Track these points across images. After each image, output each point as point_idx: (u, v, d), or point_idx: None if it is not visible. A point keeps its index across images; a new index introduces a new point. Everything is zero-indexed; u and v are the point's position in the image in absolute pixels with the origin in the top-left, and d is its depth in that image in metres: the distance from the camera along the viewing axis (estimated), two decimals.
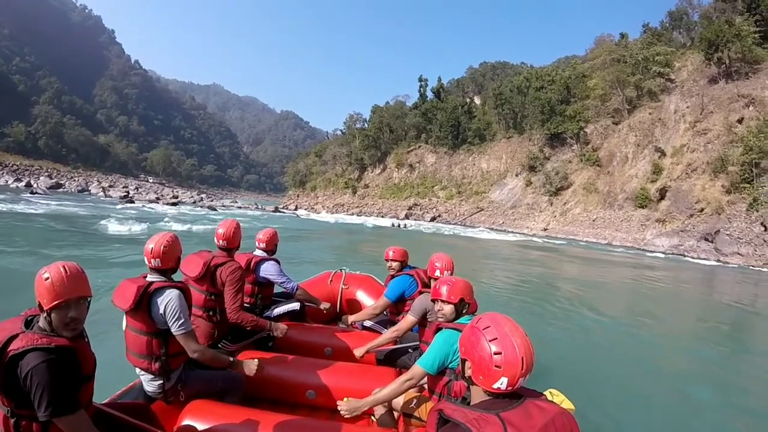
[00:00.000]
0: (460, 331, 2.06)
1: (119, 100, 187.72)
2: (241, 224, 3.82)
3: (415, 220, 56.95)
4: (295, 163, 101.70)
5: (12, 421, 1.77)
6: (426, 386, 2.77)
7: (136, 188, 58.78)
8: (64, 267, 1.87)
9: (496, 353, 1.48)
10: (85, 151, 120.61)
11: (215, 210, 34.39)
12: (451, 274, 3.47)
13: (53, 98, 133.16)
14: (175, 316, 2.59)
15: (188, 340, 2.66)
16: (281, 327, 3.76)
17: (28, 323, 1.89)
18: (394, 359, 3.81)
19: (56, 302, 1.81)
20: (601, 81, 57.04)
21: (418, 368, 2.52)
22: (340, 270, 5.60)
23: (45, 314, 1.83)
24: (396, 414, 2.93)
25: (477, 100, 78.15)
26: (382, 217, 58.46)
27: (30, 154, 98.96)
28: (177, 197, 47.49)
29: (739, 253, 28.82)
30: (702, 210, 35.72)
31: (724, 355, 7.71)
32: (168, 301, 2.60)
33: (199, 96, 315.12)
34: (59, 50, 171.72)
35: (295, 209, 67.67)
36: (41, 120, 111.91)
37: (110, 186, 52.26)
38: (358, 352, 3.54)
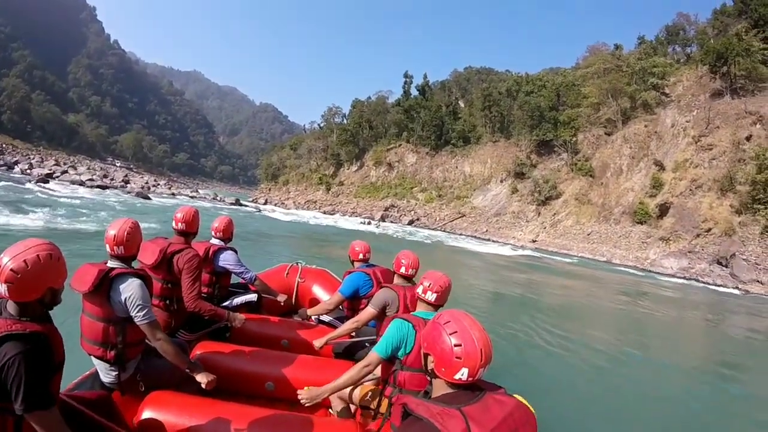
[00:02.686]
0: (411, 322, 2.55)
1: (94, 79, 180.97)
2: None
3: (392, 222, 53.37)
4: (269, 155, 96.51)
5: None
6: (381, 380, 2.82)
7: (89, 169, 52.16)
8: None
9: (456, 345, 1.56)
10: (51, 129, 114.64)
11: (148, 199, 28.93)
12: (416, 272, 3.47)
13: (24, 72, 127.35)
14: (138, 306, 2.53)
15: (153, 329, 2.60)
16: (239, 317, 3.72)
17: None
18: (351, 352, 3.90)
19: (65, 281, 1.88)
20: (596, 89, 54.51)
21: (374, 354, 2.58)
22: (296, 263, 5.59)
23: (45, 294, 1.81)
24: (353, 407, 2.99)
25: (461, 104, 74.38)
26: (357, 216, 54.55)
27: None
28: (115, 180, 41.67)
29: (759, 281, 25.43)
30: (709, 230, 32.81)
31: (725, 396, 7.18)
32: (130, 289, 2.53)
33: (178, 82, 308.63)
34: (36, 23, 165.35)
35: (265, 203, 63.93)
36: (7, 93, 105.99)
37: (41, 164, 45.41)
38: (317, 343, 3.55)
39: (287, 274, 5.46)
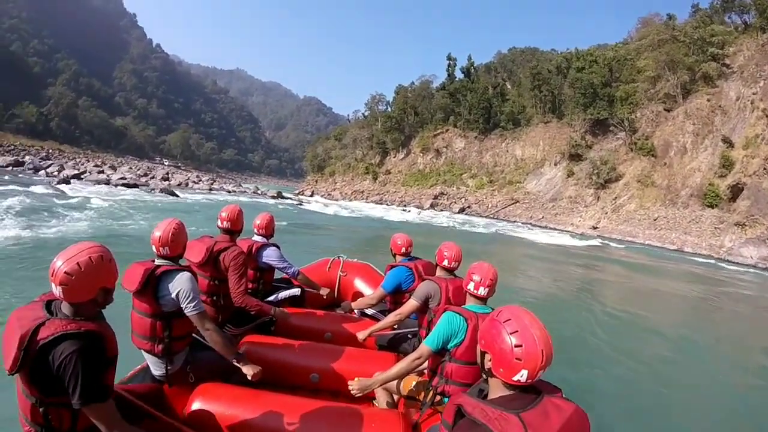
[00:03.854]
0: (463, 315, 2.52)
1: (139, 83, 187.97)
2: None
3: (442, 210, 52.31)
4: (314, 147, 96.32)
5: (41, 410, 1.78)
6: (425, 371, 2.85)
7: (131, 169, 51.68)
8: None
9: (516, 346, 1.51)
10: (99, 134, 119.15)
11: (175, 195, 27.94)
12: (459, 265, 3.44)
13: (70, 80, 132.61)
14: (189, 297, 2.62)
15: (203, 319, 2.69)
16: (284, 312, 3.83)
17: (49, 309, 1.87)
18: (394, 344, 3.91)
19: (116, 281, 1.96)
20: (652, 62, 51.24)
21: (425, 347, 2.58)
22: (338, 257, 5.66)
23: (98, 294, 1.87)
24: (396, 397, 3.02)
25: (509, 86, 71.81)
26: (405, 206, 53.80)
27: (41, 136, 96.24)
28: (155, 178, 41.01)
29: None
30: None
31: None
32: (180, 283, 2.62)
33: (222, 80, 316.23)
34: (78, 33, 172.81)
35: (311, 195, 64.03)
36: (54, 101, 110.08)
37: (78, 166, 45.02)
38: (361, 335, 3.57)
39: (329, 268, 5.57)
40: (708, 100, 43.28)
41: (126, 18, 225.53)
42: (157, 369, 2.81)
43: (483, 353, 1.65)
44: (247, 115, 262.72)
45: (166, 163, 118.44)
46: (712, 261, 27.44)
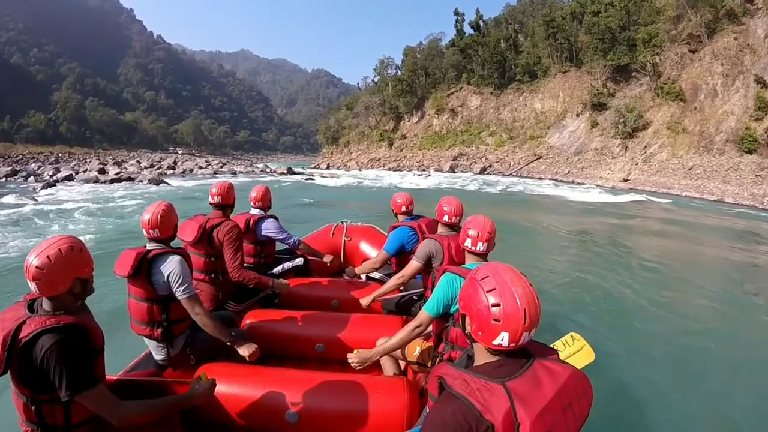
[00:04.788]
0: (463, 276, 2.31)
1: (145, 76, 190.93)
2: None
3: (463, 171, 51.18)
4: (326, 119, 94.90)
5: (33, 408, 1.79)
6: (431, 333, 2.72)
7: (138, 162, 50.31)
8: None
9: (494, 305, 1.36)
10: (110, 131, 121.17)
11: (164, 184, 26.95)
12: (461, 219, 3.29)
13: (75, 83, 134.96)
14: (179, 281, 2.61)
15: (193, 303, 2.66)
16: (283, 283, 3.72)
17: (31, 308, 1.88)
18: (401, 308, 3.87)
19: (93, 270, 1.96)
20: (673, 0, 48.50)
21: (424, 314, 2.49)
22: (342, 222, 5.56)
23: (74, 285, 1.86)
24: (402, 363, 3.00)
25: (521, 39, 68.99)
26: (423, 170, 52.74)
27: (52, 142, 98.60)
28: (162, 168, 40.94)
29: None
30: None
31: None
32: (171, 266, 2.62)
33: (228, 63, 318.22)
34: (78, 36, 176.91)
35: (327, 167, 63.77)
36: (60, 105, 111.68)
37: (79, 165, 42.90)
38: (364, 302, 3.54)
39: (333, 234, 5.48)
40: (735, 39, 40.83)
41: (124, 14, 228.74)
42: (158, 354, 2.83)
43: (463, 316, 1.51)
44: (256, 94, 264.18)
45: (180, 152, 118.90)
46: (756, 212, 25.91)
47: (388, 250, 4.06)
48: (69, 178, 28.79)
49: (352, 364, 2.56)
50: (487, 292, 1.38)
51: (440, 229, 3.42)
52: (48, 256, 1.78)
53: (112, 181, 27.91)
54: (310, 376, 2.68)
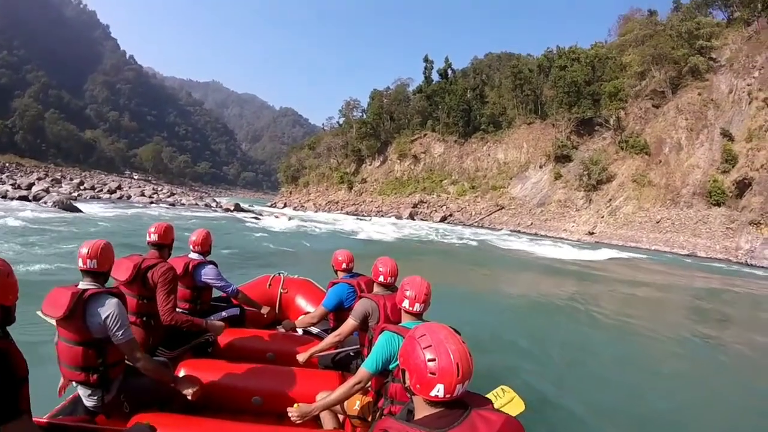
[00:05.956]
0: (401, 334, 2.44)
1: (111, 95, 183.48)
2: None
3: (422, 219, 48.62)
4: (288, 157, 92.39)
5: None
6: (369, 389, 2.80)
7: (71, 182, 46.97)
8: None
9: (430, 360, 1.47)
10: (67, 147, 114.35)
11: (76, 211, 22.43)
12: (395, 280, 3.39)
13: (39, 92, 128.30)
14: (117, 325, 2.51)
15: (132, 348, 2.60)
16: (218, 324, 3.71)
17: None
18: (336, 363, 3.83)
19: (17, 297, 1.87)
20: (638, 56, 49.48)
21: (363, 371, 2.54)
22: (279, 274, 5.53)
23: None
24: (341, 417, 2.99)
25: (487, 90, 68.89)
26: (382, 216, 49.93)
27: (4, 150, 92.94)
28: (103, 191, 38.09)
29: None
30: None
31: None
32: (109, 308, 2.51)
33: (198, 92, 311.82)
34: (51, 44, 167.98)
35: (284, 207, 61.08)
36: (20, 113, 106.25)
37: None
38: (301, 357, 3.49)
39: (270, 285, 5.41)
40: (699, 94, 41.54)
41: (99, 29, 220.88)
42: (90, 400, 2.65)
43: (403, 371, 1.61)
44: (222, 127, 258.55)
45: (136, 177, 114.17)
46: (731, 266, 23.95)
47: (326, 305, 4.05)
48: None
49: (292, 418, 2.51)
50: (424, 348, 1.49)
51: (376, 289, 3.47)
52: None
53: (21, 198, 24.58)
54: (250, 429, 2.67)
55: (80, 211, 22.98)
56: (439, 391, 1.44)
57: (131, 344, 2.56)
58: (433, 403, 1.48)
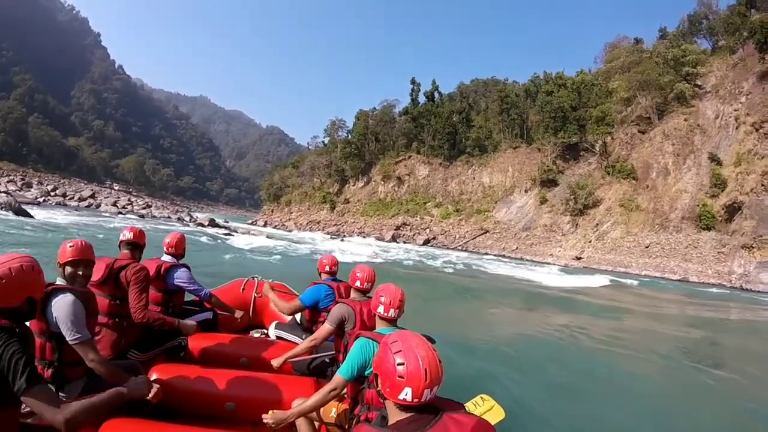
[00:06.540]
0: (376, 340, 2.45)
1: (97, 103, 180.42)
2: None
3: (405, 242, 47.27)
4: (271, 175, 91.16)
5: None
6: (345, 396, 2.79)
7: (44, 188, 46.88)
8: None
9: (399, 364, 1.52)
10: (49, 153, 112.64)
11: (27, 216, 21.27)
12: (372, 286, 3.45)
13: (24, 95, 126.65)
14: (67, 324, 2.42)
15: (85, 349, 2.47)
16: (190, 324, 3.64)
17: None
18: (311, 369, 3.79)
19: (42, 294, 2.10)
20: (624, 83, 49.41)
21: (339, 377, 2.53)
22: (253, 278, 5.47)
23: (23, 304, 1.91)
24: (317, 424, 2.94)
25: (473, 115, 68.68)
26: (364, 237, 48.48)
27: None
28: (73, 199, 37.28)
29: None
30: None
31: None
32: (60, 306, 2.44)
33: (185, 106, 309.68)
34: (40, 49, 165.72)
35: (264, 225, 59.76)
36: (2, 116, 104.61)
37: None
38: (275, 363, 3.43)
39: (243, 289, 5.37)
40: (685, 120, 41.71)
41: (90, 37, 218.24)
42: None
43: (376, 376, 1.65)
44: (207, 142, 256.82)
45: (117, 188, 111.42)
46: (726, 291, 22.86)
47: (303, 300, 4.12)
48: None
49: (267, 425, 2.51)
50: (394, 353, 1.54)
51: (353, 294, 3.50)
52: (10, 268, 1.83)
53: None
54: None
55: (30, 215, 21.46)
56: (407, 394, 1.47)
57: (84, 345, 2.44)
58: (404, 407, 1.51)
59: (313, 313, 4.19)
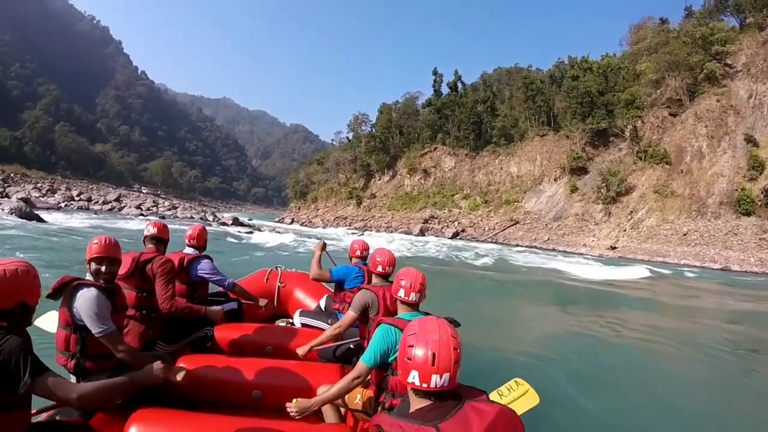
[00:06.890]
0: (398, 326, 2.43)
1: (122, 109, 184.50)
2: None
3: (434, 235, 46.95)
4: (297, 172, 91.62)
5: None
6: (370, 382, 2.79)
7: (71, 192, 48.67)
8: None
9: (409, 346, 1.53)
10: (76, 159, 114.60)
11: (39, 221, 21.40)
12: (393, 270, 3.45)
13: (50, 105, 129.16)
14: (91, 317, 2.51)
15: (112, 341, 2.57)
16: (216, 310, 3.75)
17: None
18: (337, 356, 3.83)
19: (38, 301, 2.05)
20: (652, 64, 47.85)
21: (362, 365, 2.54)
22: (276, 267, 5.56)
23: (14, 307, 1.89)
24: (343, 410, 2.98)
25: (498, 104, 67.57)
26: (392, 232, 48.46)
27: (11, 160, 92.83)
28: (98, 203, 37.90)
29: None
30: None
31: None
32: (82, 300, 2.53)
33: (208, 109, 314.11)
34: (63, 59, 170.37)
35: (291, 223, 59.90)
36: (29, 125, 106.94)
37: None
38: (300, 351, 3.41)
39: (267, 279, 5.44)
40: (717, 101, 40.30)
41: (112, 45, 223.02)
42: None
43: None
44: (232, 143, 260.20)
45: (145, 191, 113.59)
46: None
47: (333, 272, 4.22)
48: None
49: (291, 414, 2.48)
50: (408, 335, 1.57)
51: (375, 280, 3.56)
52: (4, 270, 1.85)
53: None
54: (250, 423, 2.61)
55: (41, 220, 22.03)
56: (414, 378, 1.47)
57: (110, 337, 2.53)
58: (424, 394, 1.49)
59: (338, 290, 4.27)
